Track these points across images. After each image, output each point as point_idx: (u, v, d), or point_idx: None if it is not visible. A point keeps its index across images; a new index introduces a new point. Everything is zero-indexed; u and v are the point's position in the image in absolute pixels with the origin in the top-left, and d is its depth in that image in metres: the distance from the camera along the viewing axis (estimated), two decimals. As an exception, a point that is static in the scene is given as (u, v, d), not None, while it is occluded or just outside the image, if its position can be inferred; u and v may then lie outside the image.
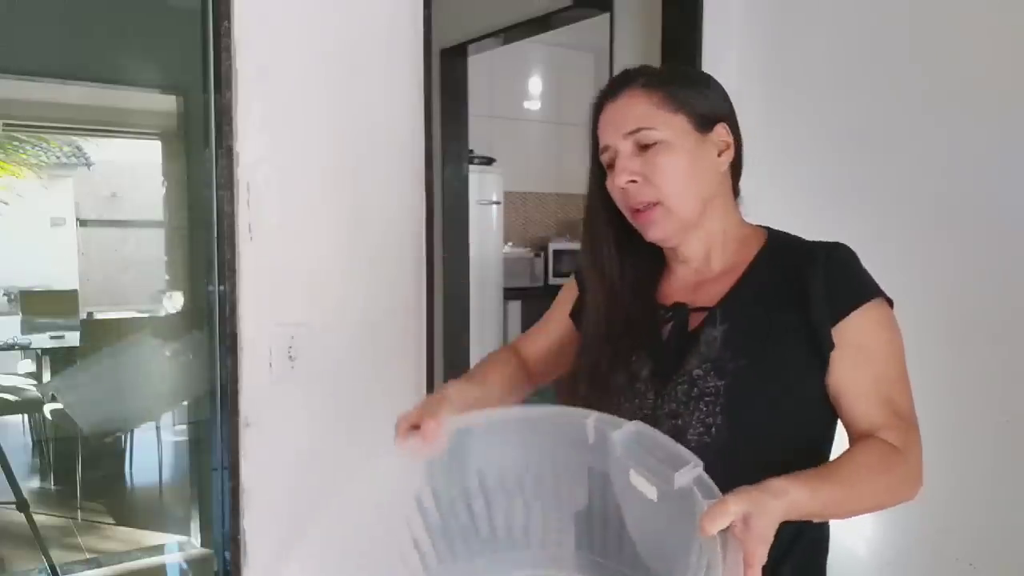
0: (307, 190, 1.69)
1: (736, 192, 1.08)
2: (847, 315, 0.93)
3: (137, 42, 3.21)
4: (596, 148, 1.05)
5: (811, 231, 1.86)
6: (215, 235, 1.64)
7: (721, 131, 1.02)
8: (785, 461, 0.91)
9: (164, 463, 4.21)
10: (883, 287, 1.00)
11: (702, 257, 1.04)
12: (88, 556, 3.33)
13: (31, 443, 4.70)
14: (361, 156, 1.75)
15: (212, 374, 1.71)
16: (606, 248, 1.07)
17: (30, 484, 4.26)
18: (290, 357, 1.67)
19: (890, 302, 0.98)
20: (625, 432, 0.83)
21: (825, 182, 1.85)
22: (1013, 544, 1.55)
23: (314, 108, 1.69)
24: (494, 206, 5.40)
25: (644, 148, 0.98)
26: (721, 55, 2.03)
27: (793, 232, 1.08)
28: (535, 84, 6.02)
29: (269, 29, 1.62)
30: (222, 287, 1.62)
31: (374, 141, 1.77)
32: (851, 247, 1.01)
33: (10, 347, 4.69)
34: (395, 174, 1.80)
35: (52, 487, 4.27)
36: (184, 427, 4.18)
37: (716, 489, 0.74)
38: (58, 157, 6.70)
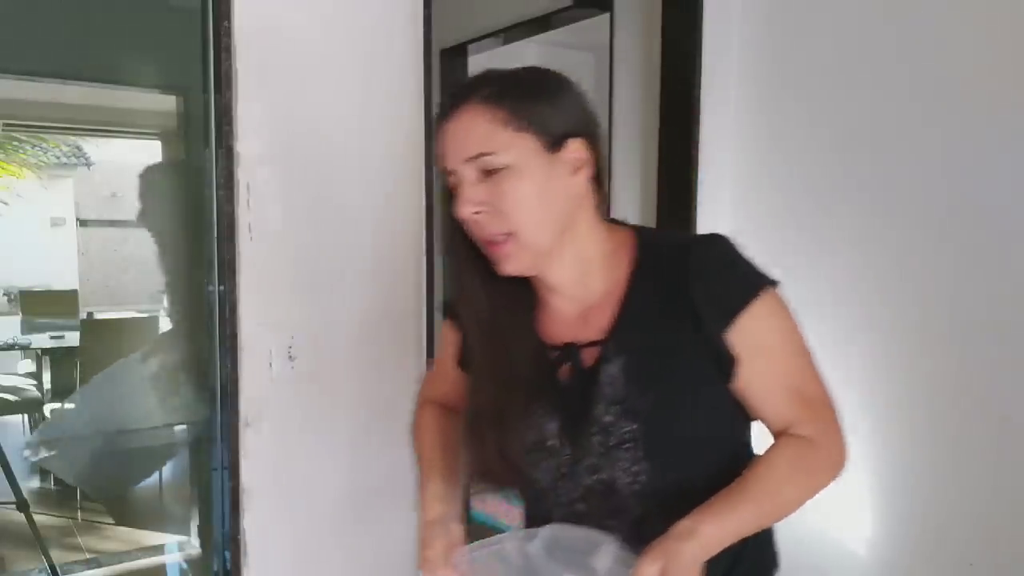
0: (307, 190, 1.69)
1: (603, 202, 0.97)
2: (737, 319, 0.87)
3: (137, 42, 3.20)
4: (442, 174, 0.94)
5: (811, 232, 1.86)
6: (215, 235, 1.64)
7: (574, 147, 0.90)
8: (719, 479, 0.91)
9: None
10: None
11: (575, 284, 0.95)
12: (88, 556, 3.33)
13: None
14: (361, 156, 1.75)
15: (212, 374, 1.71)
16: (473, 282, 0.95)
17: (30, 484, 4.25)
18: (290, 357, 1.67)
19: (775, 283, 0.91)
20: (541, 541, 0.83)
21: (825, 182, 1.85)
22: (1013, 544, 1.55)
23: (314, 108, 1.69)
24: (494, 206, 5.39)
25: (489, 174, 0.87)
26: (721, 55, 2.03)
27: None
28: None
29: (269, 29, 1.62)
30: (222, 287, 1.63)
31: (374, 141, 1.77)
32: (726, 237, 0.92)
33: (10, 347, 4.69)
34: (395, 174, 1.80)
35: (52, 487, 4.27)
36: (184, 427, 4.17)
37: (633, 557, 0.77)
38: (58, 157, 6.70)
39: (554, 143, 0.89)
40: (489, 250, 0.90)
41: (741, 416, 0.94)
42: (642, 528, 0.87)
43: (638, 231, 0.98)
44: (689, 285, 0.88)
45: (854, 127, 1.80)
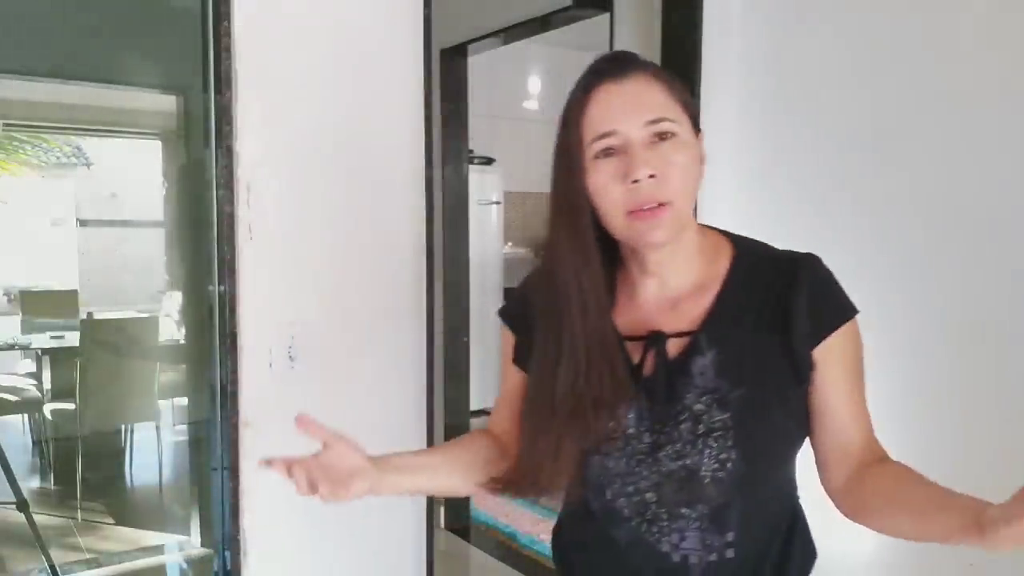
0: (307, 190, 1.69)
1: None
2: (831, 335, 0.93)
3: (137, 42, 3.21)
4: (570, 137, 0.92)
5: (811, 232, 1.86)
6: (215, 235, 1.64)
7: (702, 140, 0.97)
8: (786, 480, 0.99)
9: (164, 463, 4.21)
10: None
11: (675, 271, 0.97)
12: (88, 556, 3.33)
13: (31, 443, 4.70)
14: (361, 156, 1.75)
15: (212, 374, 1.71)
16: (594, 257, 0.94)
17: (30, 484, 4.26)
18: (290, 357, 1.67)
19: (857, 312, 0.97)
20: None
21: (825, 182, 1.85)
22: (1013, 544, 1.56)
23: (314, 108, 1.69)
24: (494, 206, 5.40)
25: (661, 139, 0.90)
26: (721, 55, 2.03)
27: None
28: (535, 84, 6.01)
29: (269, 29, 1.62)
30: (222, 287, 1.62)
31: (374, 141, 1.77)
32: (820, 256, 0.97)
33: (10, 347, 4.69)
34: (395, 174, 1.80)
35: (52, 487, 4.27)
36: (184, 427, 4.18)
37: None
38: (58, 157, 6.71)
39: (696, 128, 0.95)
40: (638, 218, 0.90)
41: (805, 430, 0.97)
42: (720, 516, 0.92)
43: (731, 235, 1.02)
44: (791, 294, 0.92)
45: (854, 127, 1.80)
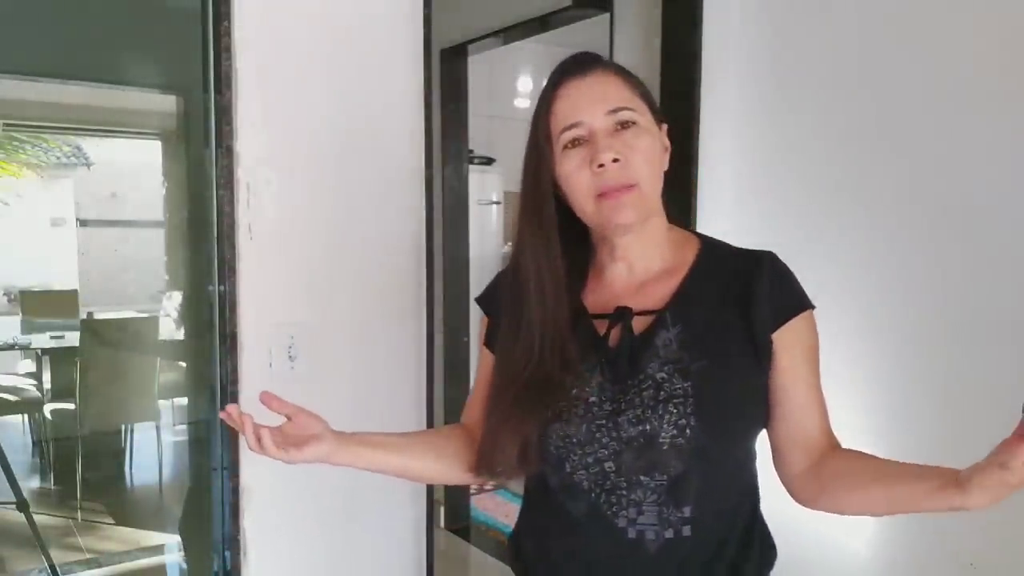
0: (307, 190, 1.69)
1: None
2: (789, 321, 0.97)
3: (137, 42, 3.20)
4: (539, 133, 0.99)
5: (811, 231, 1.86)
6: (215, 235, 1.64)
7: (664, 130, 1.02)
8: (746, 452, 1.01)
9: (164, 463, 4.21)
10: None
11: (642, 255, 1.02)
12: (88, 556, 3.33)
13: (31, 443, 4.70)
14: (361, 156, 1.75)
15: (212, 374, 1.71)
16: (555, 246, 1.00)
17: (30, 484, 4.26)
18: (290, 357, 1.67)
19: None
20: None
21: (825, 182, 1.85)
22: (1013, 544, 1.55)
23: (314, 108, 1.69)
24: (494, 206, 5.40)
25: (623, 128, 0.96)
26: (721, 55, 2.03)
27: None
28: (535, 84, 6.01)
29: (269, 29, 1.62)
30: (222, 287, 1.63)
31: (374, 141, 1.77)
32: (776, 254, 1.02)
33: (10, 347, 4.69)
34: (395, 174, 1.80)
35: (52, 487, 4.28)
36: (184, 427, 4.18)
37: None
38: (58, 157, 6.72)
39: (658, 121, 1.01)
40: (605, 199, 0.95)
41: (765, 408, 1.00)
42: (678, 488, 0.94)
43: (697, 232, 1.07)
44: (753, 281, 0.97)
45: (854, 127, 1.80)
